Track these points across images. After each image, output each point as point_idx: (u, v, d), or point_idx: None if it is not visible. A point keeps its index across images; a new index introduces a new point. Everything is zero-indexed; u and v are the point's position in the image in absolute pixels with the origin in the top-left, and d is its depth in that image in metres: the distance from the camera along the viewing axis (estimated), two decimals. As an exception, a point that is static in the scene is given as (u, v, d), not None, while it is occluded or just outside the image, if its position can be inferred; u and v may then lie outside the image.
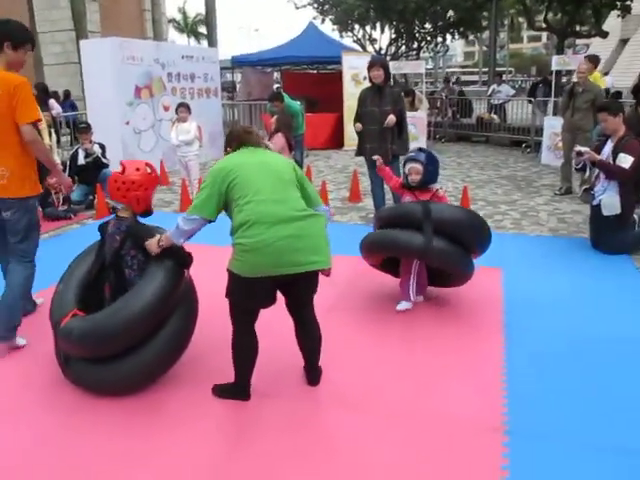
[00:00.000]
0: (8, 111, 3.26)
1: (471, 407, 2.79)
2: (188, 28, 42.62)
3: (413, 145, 11.97)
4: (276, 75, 18.32)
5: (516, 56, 55.65)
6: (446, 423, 2.67)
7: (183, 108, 7.81)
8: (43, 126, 7.54)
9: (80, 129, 7.96)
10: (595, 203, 5.22)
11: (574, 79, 8.12)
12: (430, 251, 3.63)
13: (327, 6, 17.72)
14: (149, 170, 3.12)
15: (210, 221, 2.76)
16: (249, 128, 2.98)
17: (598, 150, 5.31)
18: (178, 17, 43.64)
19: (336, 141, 13.08)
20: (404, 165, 4.07)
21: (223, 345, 2.94)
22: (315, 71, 16.96)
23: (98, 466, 2.43)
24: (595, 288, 4.38)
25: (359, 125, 6.03)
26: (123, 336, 2.82)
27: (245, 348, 2.83)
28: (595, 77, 9.08)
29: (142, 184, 3.05)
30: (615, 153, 5.09)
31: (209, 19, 17.81)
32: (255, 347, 2.84)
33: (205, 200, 2.69)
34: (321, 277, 2.86)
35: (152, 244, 2.91)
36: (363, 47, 18.47)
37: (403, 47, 19.11)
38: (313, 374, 3.04)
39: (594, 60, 8.31)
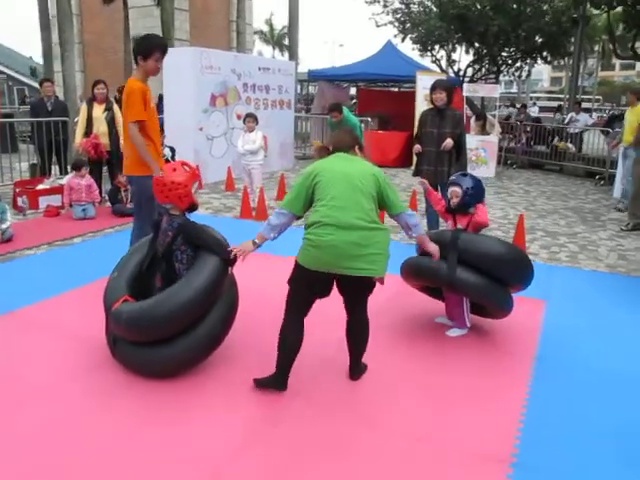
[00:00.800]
0: (124, 111, 4.36)
1: (483, 435, 2.78)
2: (274, 40, 43.77)
3: (482, 170, 12.09)
4: (352, 91, 18.52)
5: (606, 84, 53.52)
6: (453, 449, 2.68)
7: (250, 118, 8.10)
8: (122, 126, 8.07)
9: None
10: None
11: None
12: (454, 281, 3.64)
13: (408, 25, 17.75)
14: (187, 168, 3.35)
15: (299, 217, 3.10)
16: (346, 133, 3.32)
17: None
18: (265, 29, 44.88)
19: (405, 160, 13.08)
20: (447, 189, 4.09)
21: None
22: (392, 89, 17.05)
23: (122, 450, 2.61)
24: (642, 330, 4.22)
25: (418, 147, 6.07)
26: (168, 323, 3.07)
27: (290, 338, 3.05)
28: None
29: (181, 182, 3.27)
30: None
31: (292, 32, 18.28)
32: (299, 340, 3.07)
33: (295, 197, 3.05)
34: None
35: (247, 245, 3.14)
36: (441, 68, 18.37)
37: (483, 70, 18.88)
38: (355, 369, 3.30)
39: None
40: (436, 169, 5.94)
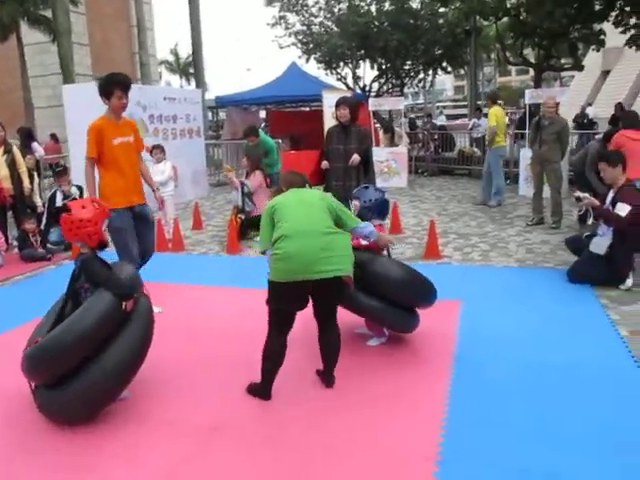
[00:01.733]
0: None
1: (408, 436, 2.85)
2: (180, 69, 43.46)
3: (395, 180, 12.43)
4: (262, 114, 18.66)
5: (505, 89, 56.62)
6: (379, 451, 2.73)
7: (157, 150, 8.03)
8: (23, 169, 7.74)
9: (57, 172, 8.15)
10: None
11: (541, 113, 8.32)
12: (351, 302, 3.80)
13: (311, 45, 18.14)
14: (96, 205, 3.28)
15: None
16: (295, 174, 3.62)
17: (603, 200, 5.33)
18: (171, 58, 44.50)
19: (319, 177, 13.14)
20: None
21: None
22: (303, 109, 17.30)
23: None
24: (553, 317, 4.45)
25: (325, 163, 6.18)
26: (50, 363, 3.00)
27: (273, 354, 3.25)
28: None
29: (90, 219, 3.21)
30: (614, 202, 5.14)
31: (196, 60, 18.23)
32: (282, 354, 3.27)
33: (266, 233, 3.29)
34: None
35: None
36: (347, 85, 18.86)
37: (388, 84, 19.53)
38: (329, 377, 3.47)
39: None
40: (344, 184, 6.05)
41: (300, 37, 18.04)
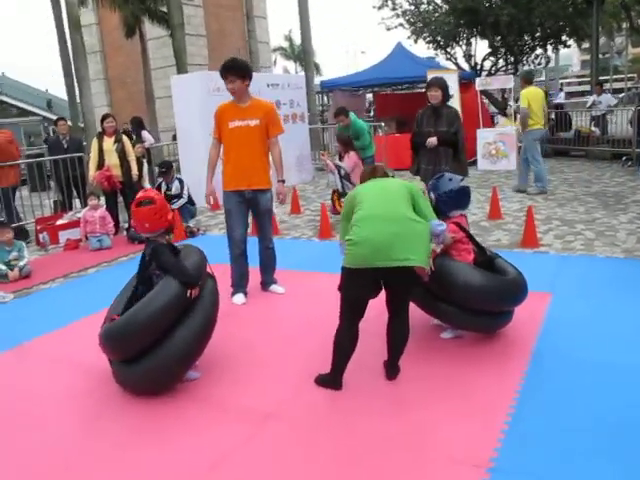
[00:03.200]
0: None
1: (462, 439, 2.69)
2: (295, 55, 44.11)
3: (503, 163, 11.83)
4: (369, 97, 18.48)
5: (638, 61, 51.81)
6: (427, 452, 2.61)
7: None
8: (132, 157, 8.26)
9: (161, 172, 8.63)
10: None
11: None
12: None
13: (420, 25, 17.62)
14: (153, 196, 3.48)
15: None
16: (374, 167, 3.61)
17: None
18: (286, 45, 45.34)
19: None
20: None
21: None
22: (414, 91, 16.92)
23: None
24: (654, 316, 4.01)
25: (434, 139, 5.71)
26: (125, 341, 3.19)
27: (344, 342, 3.19)
28: None
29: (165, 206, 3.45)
30: None
31: (305, 45, 18.38)
32: (353, 343, 3.20)
33: (343, 224, 3.35)
34: None
35: None
36: (457, 64, 18.13)
37: (500, 61, 18.53)
38: (392, 369, 3.35)
39: None
40: (434, 168, 5.82)
41: (407, 17, 17.55)
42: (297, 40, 45.19)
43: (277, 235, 7.54)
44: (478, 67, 18.22)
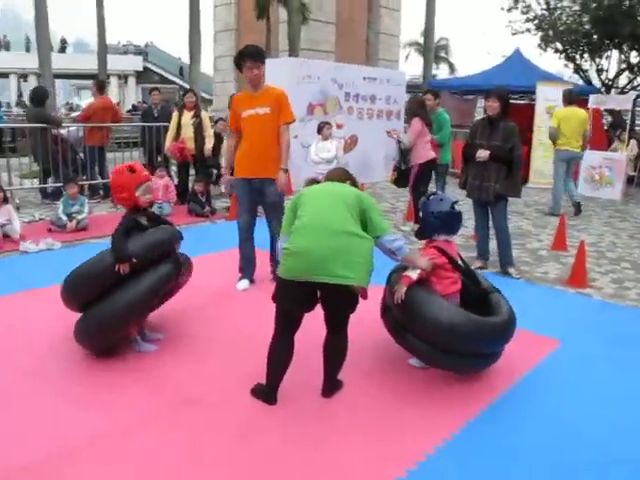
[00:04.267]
0: None
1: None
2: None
3: (606, 191, 10.80)
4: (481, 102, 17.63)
5: None
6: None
7: (328, 125, 8.09)
8: (208, 132, 8.50)
9: None
10: None
11: None
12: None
13: (551, 32, 16.44)
14: (130, 172, 3.54)
15: None
16: (339, 170, 3.43)
17: None
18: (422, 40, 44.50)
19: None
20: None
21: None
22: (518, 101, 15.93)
23: None
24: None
25: (486, 152, 5.31)
26: (72, 289, 3.51)
27: (278, 353, 3.04)
28: None
29: (121, 186, 3.53)
30: None
31: (426, 42, 17.91)
32: (288, 356, 3.05)
33: (287, 222, 3.07)
34: None
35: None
36: (585, 79, 16.75)
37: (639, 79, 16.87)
38: (328, 385, 3.18)
39: None
40: (481, 184, 5.44)
41: (536, 22, 16.36)
42: (435, 37, 44.34)
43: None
44: (610, 83, 16.71)
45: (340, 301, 2.96)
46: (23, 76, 34.21)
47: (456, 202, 3.55)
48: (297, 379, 3.23)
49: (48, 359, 3.56)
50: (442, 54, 43.60)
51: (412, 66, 38.00)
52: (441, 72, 42.34)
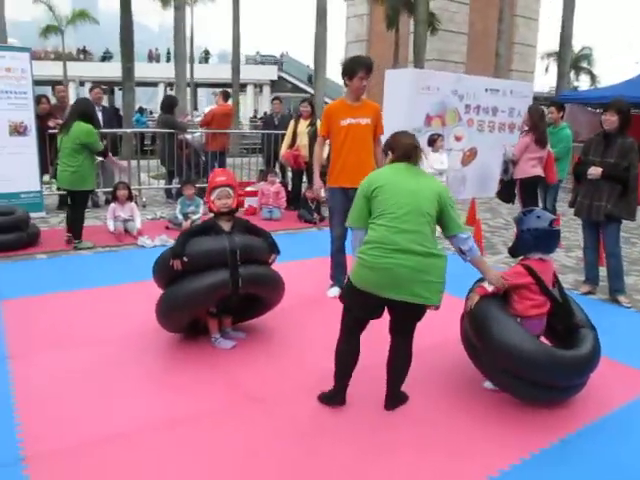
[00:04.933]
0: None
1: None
2: (571, 62, 40.79)
3: None
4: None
5: None
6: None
7: (440, 137, 7.98)
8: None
9: None
10: None
11: None
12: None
13: None
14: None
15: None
16: (412, 144, 3.07)
17: None
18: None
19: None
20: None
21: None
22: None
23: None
24: None
25: (598, 169, 4.96)
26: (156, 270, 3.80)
27: (345, 354, 3.04)
28: None
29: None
30: None
31: (560, 51, 17.00)
32: (354, 356, 3.03)
33: (357, 214, 3.04)
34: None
35: None
36: None
37: None
38: (390, 399, 3.12)
39: None
40: (591, 203, 5.07)
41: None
42: (577, 47, 41.83)
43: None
44: None
45: (410, 316, 2.96)
46: (170, 85, 37.11)
47: (554, 220, 3.36)
48: (361, 389, 3.23)
49: (143, 345, 3.86)
50: (584, 64, 41.07)
51: (553, 77, 35.95)
52: (582, 84, 39.92)
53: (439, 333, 4.00)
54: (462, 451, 2.79)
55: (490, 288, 3.19)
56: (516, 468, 2.66)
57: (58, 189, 7.97)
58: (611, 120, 5.00)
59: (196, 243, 3.59)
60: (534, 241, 3.31)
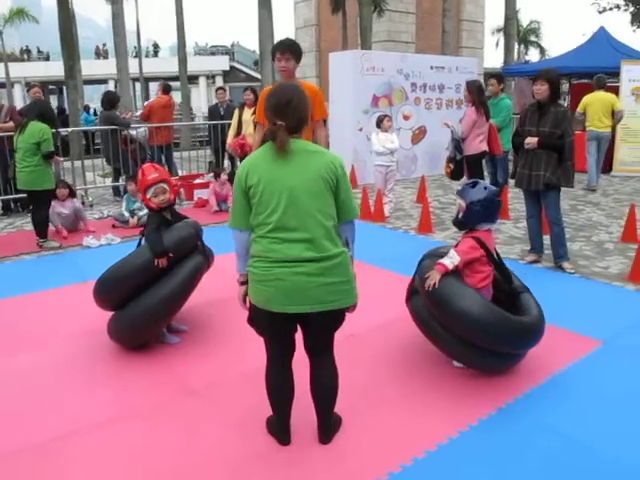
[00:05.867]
0: None
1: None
2: (519, 36, 41.28)
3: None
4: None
5: None
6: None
7: (388, 117, 7.95)
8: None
9: None
10: None
11: None
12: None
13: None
14: (140, 175, 3.68)
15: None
16: (288, 98, 2.38)
17: None
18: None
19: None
20: None
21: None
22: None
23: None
24: None
25: (533, 140, 5.00)
26: (106, 290, 3.59)
27: (276, 385, 2.60)
28: None
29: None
30: None
31: (507, 28, 17.16)
32: (287, 386, 2.59)
33: (237, 213, 2.46)
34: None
35: (240, 293, 2.61)
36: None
37: None
38: (324, 431, 2.66)
39: None
40: (530, 173, 5.13)
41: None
42: (526, 21, 42.32)
43: (382, 222, 7.35)
44: None
45: (323, 323, 2.48)
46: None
47: (499, 191, 3.39)
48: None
49: (85, 346, 3.77)
50: (532, 38, 41.70)
51: (498, 53, 36.43)
52: (533, 57, 40.53)
53: (380, 314, 4.00)
54: (403, 425, 2.80)
55: (450, 266, 3.18)
56: (453, 440, 2.68)
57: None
58: (541, 89, 5.04)
59: (168, 236, 3.58)
60: (484, 212, 3.32)
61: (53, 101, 35.01)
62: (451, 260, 3.20)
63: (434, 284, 3.13)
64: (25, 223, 7.50)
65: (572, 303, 4.50)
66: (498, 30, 39.51)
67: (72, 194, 7.03)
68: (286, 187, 2.31)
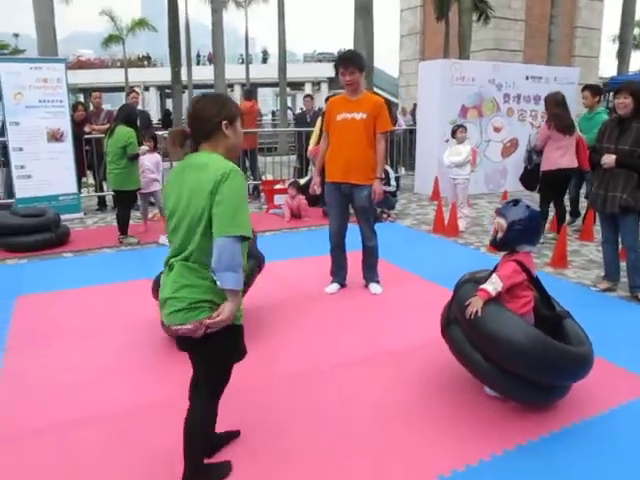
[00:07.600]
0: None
1: None
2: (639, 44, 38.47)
3: None
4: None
5: None
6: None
7: (462, 129, 7.72)
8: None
9: None
10: None
11: None
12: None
13: None
14: None
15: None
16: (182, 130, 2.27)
17: None
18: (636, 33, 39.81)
19: None
20: None
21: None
22: None
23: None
24: None
25: (608, 159, 4.65)
26: None
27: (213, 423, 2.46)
28: None
29: None
30: None
31: (623, 34, 16.09)
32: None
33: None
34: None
35: None
36: None
37: None
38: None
39: None
40: (605, 194, 4.77)
41: None
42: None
43: (455, 236, 7.14)
44: None
45: (194, 353, 2.32)
46: (230, 86, 37.93)
47: (537, 210, 3.20)
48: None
49: (142, 336, 4.03)
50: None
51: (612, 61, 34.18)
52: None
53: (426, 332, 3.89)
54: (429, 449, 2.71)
55: (494, 292, 3.01)
56: (482, 465, 2.56)
57: (95, 190, 8.33)
58: (624, 103, 4.68)
59: None
60: (525, 232, 3.14)
61: (169, 104, 37.20)
62: (494, 286, 3.00)
63: (476, 311, 2.96)
64: (114, 219, 8.03)
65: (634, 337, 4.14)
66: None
67: (156, 146, 7.28)
68: (180, 207, 2.19)
